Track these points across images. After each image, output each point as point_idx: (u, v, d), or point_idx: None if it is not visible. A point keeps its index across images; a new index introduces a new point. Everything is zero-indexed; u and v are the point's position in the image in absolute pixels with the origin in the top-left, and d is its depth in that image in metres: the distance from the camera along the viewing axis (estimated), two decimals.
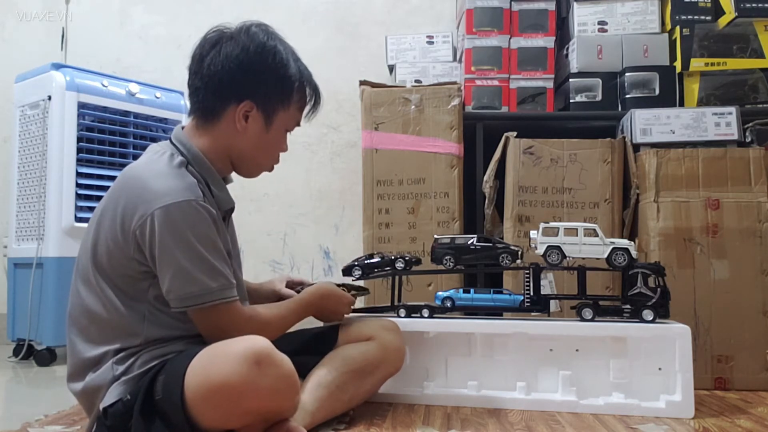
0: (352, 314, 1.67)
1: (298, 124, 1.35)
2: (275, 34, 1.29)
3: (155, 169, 1.16)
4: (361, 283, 1.75)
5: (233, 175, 1.36)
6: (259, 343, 1.04)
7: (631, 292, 1.56)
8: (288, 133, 1.34)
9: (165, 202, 1.10)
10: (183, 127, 1.29)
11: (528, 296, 1.61)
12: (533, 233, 1.61)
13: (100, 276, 1.16)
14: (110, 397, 1.11)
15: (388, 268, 1.71)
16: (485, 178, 2.12)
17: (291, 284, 1.57)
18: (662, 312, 1.54)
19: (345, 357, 1.38)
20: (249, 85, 1.24)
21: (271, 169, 1.35)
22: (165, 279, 1.11)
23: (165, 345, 1.16)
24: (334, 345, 1.43)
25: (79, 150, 2.30)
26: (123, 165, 2.39)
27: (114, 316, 1.15)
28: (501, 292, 1.66)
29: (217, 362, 1.04)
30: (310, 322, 1.45)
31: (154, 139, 2.50)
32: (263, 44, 1.25)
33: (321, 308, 1.42)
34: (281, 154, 1.36)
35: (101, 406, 1.12)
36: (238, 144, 1.26)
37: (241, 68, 1.22)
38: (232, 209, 1.31)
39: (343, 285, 1.64)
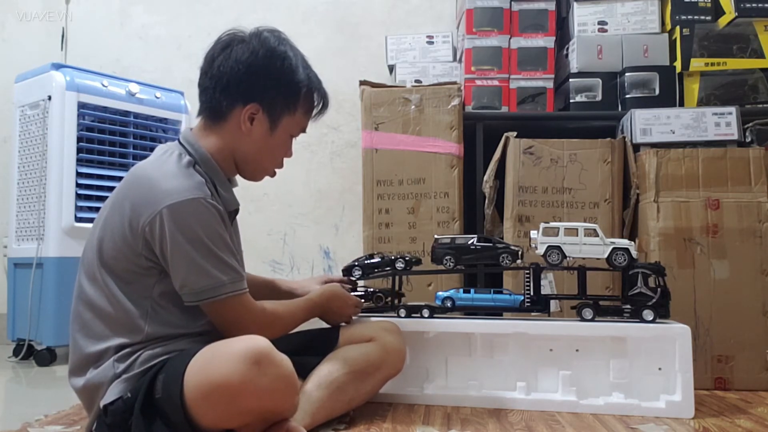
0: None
1: (304, 131, 1.37)
2: (286, 40, 1.31)
3: (164, 169, 1.18)
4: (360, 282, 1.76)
5: (237, 178, 1.37)
6: (258, 342, 1.05)
7: (631, 292, 1.56)
8: (293, 139, 1.36)
9: (173, 200, 1.12)
10: (191, 129, 1.31)
11: (528, 296, 1.61)
12: (533, 233, 1.61)
13: (105, 272, 1.17)
14: (111, 395, 1.12)
15: (388, 268, 1.71)
16: (485, 178, 2.12)
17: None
18: (662, 312, 1.54)
19: (346, 358, 1.38)
20: (256, 88, 1.26)
21: (273, 174, 1.37)
22: (179, 275, 1.14)
23: (166, 343, 1.16)
24: (335, 346, 1.43)
25: (79, 150, 2.30)
26: (123, 165, 2.40)
27: (118, 311, 1.16)
28: (501, 292, 1.66)
29: (216, 361, 1.04)
30: (312, 323, 1.46)
31: (154, 139, 2.50)
32: (273, 49, 1.27)
33: (326, 309, 1.45)
34: (285, 159, 1.37)
35: (102, 403, 1.12)
36: (243, 146, 1.28)
37: (249, 71, 1.24)
38: (236, 210, 1.32)
39: (378, 291, 1.70)
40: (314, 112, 1.36)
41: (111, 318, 1.16)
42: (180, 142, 1.27)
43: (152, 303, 1.17)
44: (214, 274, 1.14)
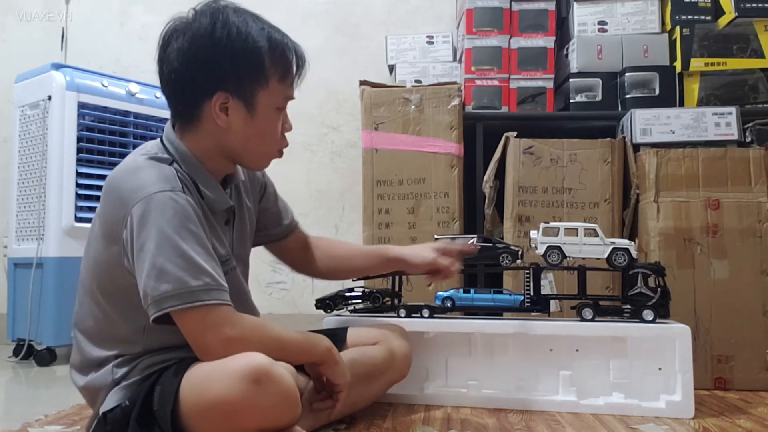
0: (353, 315, 1.68)
1: (291, 98, 1.20)
2: (226, 7, 1.12)
3: (128, 167, 1.11)
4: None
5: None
6: (257, 359, 1.00)
7: (631, 292, 1.56)
8: (287, 105, 1.21)
9: (140, 197, 1.03)
10: (174, 126, 1.21)
11: (528, 296, 1.61)
12: (533, 233, 1.61)
13: (97, 287, 1.14)
14: (110, 402, 1.10)
15: None
16: (485, 178, 2.12)
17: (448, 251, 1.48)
18: (662, 312, 1.54)
19: (352, 361, 1.32)
20: (214, 75, 1.10)
21: (280, 154, 1.23)
22: (141, 282, 1.01)
23: (165, 352, 1.13)
24: (341, 348, 1.39)
25: (79, 150, 2.30)
26: None
27: (115, 327, 1.13)
28: (501, 292, 1.66)
29: (214, 379, 1.01)
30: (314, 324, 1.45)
31: (153, 139, 2.50)
32: (212, 24, 1.09)
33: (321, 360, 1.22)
34: (287, 150, 1.27)
35: (101, 410, 1.11)
36: (228, 140, 1.16)
37: (198, 59, 1.09)
38: (232, 209, 1.24)
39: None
40: (294, 71, 1.17)
41: (108, 332, 1.14)
42: (162, 141, 1.19)
43: (148, 319, 1.04)
44: (179, 277, 0.99)
